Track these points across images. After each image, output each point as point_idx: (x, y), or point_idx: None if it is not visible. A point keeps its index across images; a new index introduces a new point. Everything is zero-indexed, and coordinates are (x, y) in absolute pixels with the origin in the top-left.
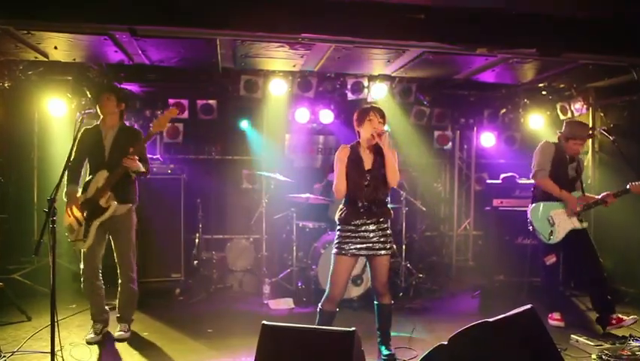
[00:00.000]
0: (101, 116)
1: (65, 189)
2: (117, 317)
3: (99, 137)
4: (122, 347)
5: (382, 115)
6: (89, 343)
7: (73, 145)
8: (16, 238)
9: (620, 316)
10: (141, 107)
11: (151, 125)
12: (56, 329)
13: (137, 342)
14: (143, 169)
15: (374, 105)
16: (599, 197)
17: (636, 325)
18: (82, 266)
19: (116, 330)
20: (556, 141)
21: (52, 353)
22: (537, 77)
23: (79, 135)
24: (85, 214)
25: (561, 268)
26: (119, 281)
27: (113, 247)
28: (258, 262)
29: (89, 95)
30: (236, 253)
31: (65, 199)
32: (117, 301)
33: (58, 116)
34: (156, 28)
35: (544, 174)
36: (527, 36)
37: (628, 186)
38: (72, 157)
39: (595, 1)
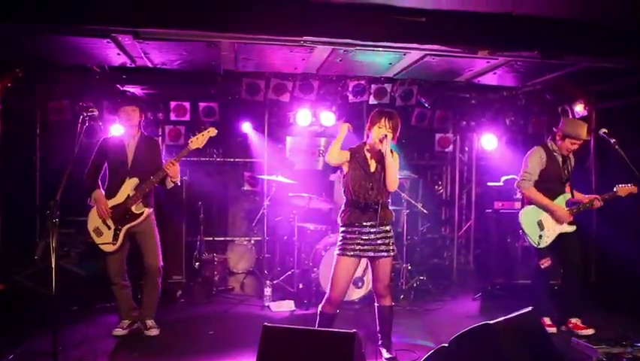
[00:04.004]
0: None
1: (93, 194)
2: (144, 314)
3: (122, 145)
4: (124, 349)
5: (394, 123)
6: (115, 336)
7: (76, 148)
8: (18, 239)
9: (578, 323)
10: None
11: (190, 141)
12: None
13: (138, 344)
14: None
15: (388, 111)
16: (588, 199)
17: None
18: (109, 269)
19: (147, 328)
20: (547, 142)
21: (55, 355)
22: (538, 79)
23: (101, 142)
24: (115, 219)
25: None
26: (146, 278)
27: (141, 247)
28: (259, 264)
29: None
30: (238, 255)
31: (92, 203)
32: (144, 298)
33: (60, 118)
34: (158, 31)
35: (529, 184)
36: (529, 38)
37: (615, 189)
38: (90, 163)
39: (597, 4)
